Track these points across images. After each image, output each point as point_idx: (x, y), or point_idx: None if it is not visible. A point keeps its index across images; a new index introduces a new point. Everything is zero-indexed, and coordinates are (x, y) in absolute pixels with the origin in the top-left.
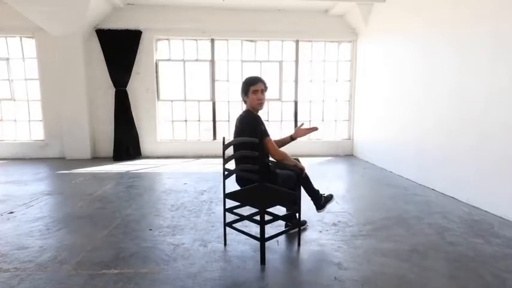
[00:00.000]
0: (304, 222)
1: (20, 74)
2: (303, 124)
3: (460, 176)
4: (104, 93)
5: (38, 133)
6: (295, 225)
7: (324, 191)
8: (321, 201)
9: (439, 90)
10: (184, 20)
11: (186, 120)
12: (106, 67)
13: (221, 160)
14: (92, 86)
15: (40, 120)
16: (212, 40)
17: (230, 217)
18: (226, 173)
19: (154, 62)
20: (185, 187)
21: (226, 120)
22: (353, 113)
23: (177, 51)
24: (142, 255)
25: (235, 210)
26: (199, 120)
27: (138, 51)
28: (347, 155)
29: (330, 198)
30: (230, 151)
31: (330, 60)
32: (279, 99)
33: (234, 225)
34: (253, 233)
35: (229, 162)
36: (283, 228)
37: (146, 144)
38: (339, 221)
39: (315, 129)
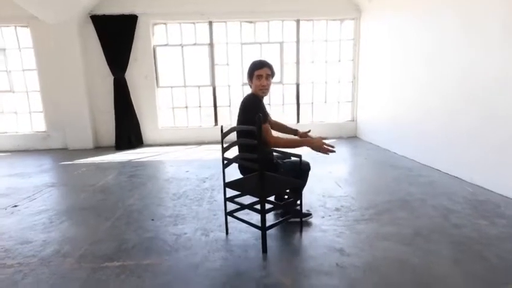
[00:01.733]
0: (308, 215)
1: (17, 64)
2: (310, 131)
3: (465, 156)
4: (102, 81)
5: (39, 124)
6: (296, 214)
7: (327, 175)
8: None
9: (445, 70)
10: (181, 2)
11: (186, 107)
12: (103, 55)
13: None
14: (90, 74)
15: (41, 112)
16: (210, 23)
17: (231, 206)
18: (225, 162)
19: (152, 47)
20: (187, 175)
21: (227, 106)
22: (356, 94)
23: (175, 35)
24: (145, 246)
25: (236, 199)
26: (199, 106)
27: (135, 36)
28: (350, 136)
29: (307, 215)
30: (233, 137)
31: (332, 40)
32: (280, 82)
33: (235, 214)
34: (254, 222)
35: (230, 150)
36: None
37: (148, 132)
38: (341, 206)
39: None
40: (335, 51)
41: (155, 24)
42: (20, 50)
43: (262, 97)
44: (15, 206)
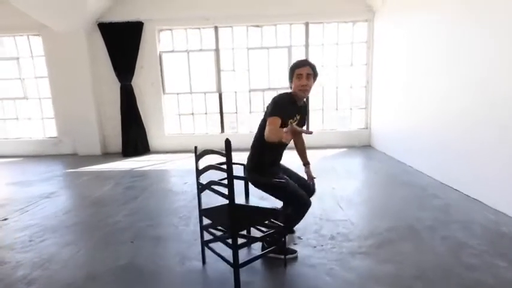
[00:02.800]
0: (293, 251)
1: (30, 72)
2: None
3: (488, 174)
4: (109, 88)
5: (51, 130)
6: (279, 250)
7: (329, 192)
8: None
9: (466, 77)
10: (186, 7)
11: (192, 114)
12: (110, 62)
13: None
14: (98, 82)
15: (52, 118)
16: (216, 28)
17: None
18: (200, 186)
19: (158, 54)
20: (185, 187)
21: (233, 112)
22: (370, 100)
23: (180, 41)
24: (113, 276)
25: (211, 229)
26: (206, 113)
27: (141, 43)
28: (364, 145)
29: (292, 252)
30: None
31: (344, 43)
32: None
33: (213, 244)
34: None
35: (206, 172)
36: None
37: (154, 139)
38: (338, 233)
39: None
40: (347, 55)
41: (161, 30)
42: (32, 58)
43: (300, 99)
44: (5, 219)
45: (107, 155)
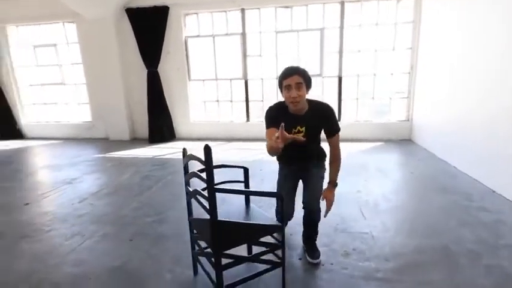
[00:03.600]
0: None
1: (67, 58)
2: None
3: None
4: (137, 75)
5: (86, 115)
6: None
7: (353, 195)
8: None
9: None
10: None
11: (217, 101)
12: (137, 48)
13: (253, 145)
14: (126, 68)
15: (87, 103)
16: (242, 10)
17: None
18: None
19: (184, 39)
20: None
21: (259, 100)
22: (413, 89)
23: (206, 26)
24: (107, 277)
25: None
26: (231, 101)
27: (167, 28)
28: (403, 139)
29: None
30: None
31: (385, 24)
32: (320, 75)
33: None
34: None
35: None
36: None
37: (180, 126)
38: (353, 249)
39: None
40: (388, 38)
41: (186, 14)
42: (68, 45)
43: (295, 111)
44: (27, 204)
45: (135, 141)
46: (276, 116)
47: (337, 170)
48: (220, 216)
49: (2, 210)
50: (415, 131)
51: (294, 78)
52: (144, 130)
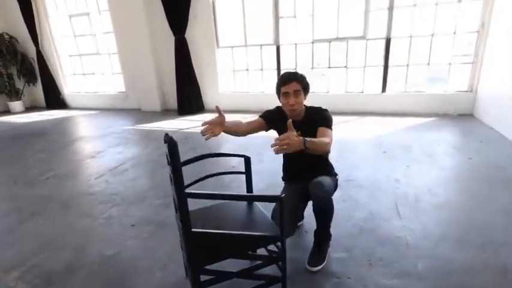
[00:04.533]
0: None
1: (100, 28)
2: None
3: None
4: (165, 42)
5: (121, 85)
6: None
7: (390, 185)
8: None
9: None
10: None
11: (247, 69)
12: (165, 14)
13: None
14: (154, 35)
15: (120, 73)
16: None
17: None
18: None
19: (211, 2)
20: (221, 158)
21: (292, 69)
22: (483, 52)
23: None
24: (98, 266)
25: None
26: (261, 69)
27: None
28: (463, 114)
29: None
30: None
31: None
32: (363, 37)
33: None
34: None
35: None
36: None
37: (208, 96)
38: (380, 259)
39: None
40: None
41: None
42: (100, 13)
43: (293, 117)
44: (48, 178)
45: (165, 112)
46: (273, 117)
47: (317, 144)
48: (210, 216)
49: (21, 182)
50: (479, 104)
51: (292, 85)
52: (174, 101)
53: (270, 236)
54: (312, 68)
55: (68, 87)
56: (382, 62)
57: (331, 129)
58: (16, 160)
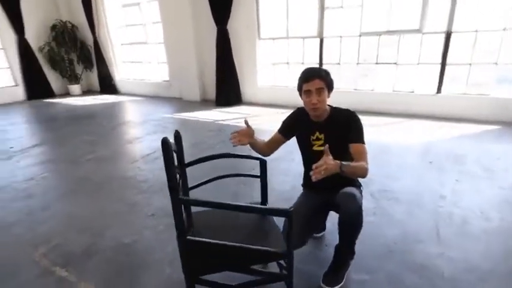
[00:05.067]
0: None
1: (149, 18)
2: None
3: None
4: (208, 33)
5: (165, 74)
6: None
7: (432, 200)
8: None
9: None
10: None
11: (287, 63)
12: (208, 4)
13: None
14: (198, 26)
15: (165, 62)
16: None
17: None
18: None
19: None
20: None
21: (335, 63)
22: None
23: None
24: (113, 253)
25: None
26: (302, 63)
27: None
28: None
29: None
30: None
31: None
32: (419, 30)
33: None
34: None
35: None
36: None
37: (246, 89)
38: None
39: None
40: None
41: None
42: (149, 3)
43: (315, 117)
44: (88, 159)
45: (204, 102)
46: (295, 120)
47: (354, 169)
48: (215, 219)
49: (66, 161)
50: None
51: (315, 82)
52: (213, 92)
53: (275, 252)
54: (358, 63)
55: (119, 74)
56: (439, 59)
57: (364, 143)
58: (67, 139)
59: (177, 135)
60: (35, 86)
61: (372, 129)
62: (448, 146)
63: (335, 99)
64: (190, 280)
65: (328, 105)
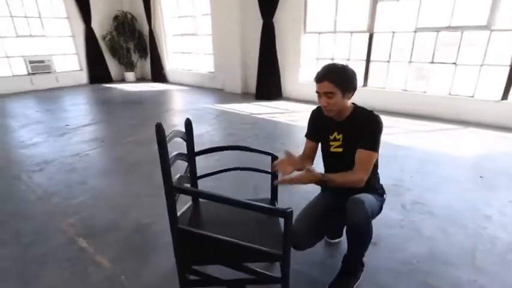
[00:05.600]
0: None
1: (199, 9)
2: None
3: None
4: (254, 26)
5: (211, 65)
6: None
7: (477, 220)
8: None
9: None
10: None
11: (332, 59)
12: None
13: None
14: (245, 18)
15: (211, 54)
16: None
17: None
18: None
19: None
20: (283, 147)
21: (385, 61)
22: None
23: None
24: (133, 232)
25: None
26: (348, 59)
27: None
28: None
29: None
30: None
31: None
32: (486, 27)
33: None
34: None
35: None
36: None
37: (287, 84)
38: None
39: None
40: None
41: None
42: None
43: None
44: (128, 141)
45: (245, 95)
46: (314, 120)
47: (339, 179)
48: (217, 212)
49: (107, 142)
50: None
51: (324, 85)
52: (254, 85)
53: (267, 252)
54: (410, 61)
55: (170, 64)
56: (508, 61)
57: (375, 151)
58: (114, 121)
59: (188, 124)
60: (97, 71)
61: (419, 134)
62: (506, 161)
63: (377, 98)
64: (181, 269)
65: (353, 103)
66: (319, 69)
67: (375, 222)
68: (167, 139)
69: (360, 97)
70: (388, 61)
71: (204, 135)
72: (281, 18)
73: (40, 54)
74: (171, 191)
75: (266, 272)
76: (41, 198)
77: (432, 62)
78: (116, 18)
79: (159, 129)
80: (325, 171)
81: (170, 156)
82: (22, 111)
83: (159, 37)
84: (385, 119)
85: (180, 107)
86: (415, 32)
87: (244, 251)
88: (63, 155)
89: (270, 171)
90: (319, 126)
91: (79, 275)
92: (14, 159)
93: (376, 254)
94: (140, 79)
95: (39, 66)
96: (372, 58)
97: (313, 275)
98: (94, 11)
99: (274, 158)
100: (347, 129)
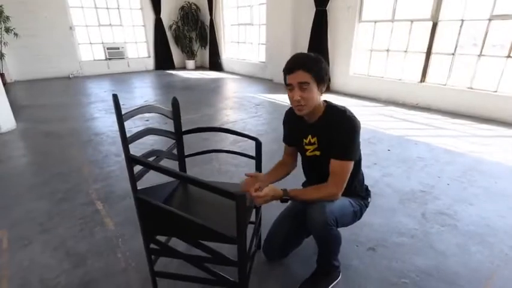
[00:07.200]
0: None
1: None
2: None
3: None
4: (306, 15)
5: (263, 56)
6: None
7: (510, 236)
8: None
9: None
10: None
11: (387, 50)
12: None
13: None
14: (298, 8)
15: (264, 44)
16: None
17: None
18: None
19: None
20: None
21: (449, 54)
22: None
23: None
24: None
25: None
26: (405, 51)
27: None
28: None
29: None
30: None
31: None
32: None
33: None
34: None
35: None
36: None
37: (337, 77)
38: None
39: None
40: None
41: None
42: None
43: (303, 115)
44: (147, 120)
45: None
46: (287, 122)
47: (307, 195)
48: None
49: (151, 121)
50: None
51: (298, 75)
52: None
53: (220, 233)
54: (480, 55)
55: (226, 53)
56: None
57: (350, 160)
58: (165, 104)
59: (174, 103)
60: (162, 58)
61: (476, 139)
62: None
63: (436, 95)
64: (144, 237)
65: (324, 100)
66: (289, 59)
67: (382, 226)
68: (135, 112)
69: (415, 95)
70: (453, 53)
71: (238, 122)
72: (335, 6)
73: (116, 41)
74: (129, 161)
75: (222, 253)
76: (82, 164)
77: (508, 56)
78: (182, 8)
79: (116, 99)
80: (305, 177)
81: (140, 130)
82: (94, 90)
83: (218, 27)
84: (440, 119)
85: (225, 94)
86: (490, 20)
87: (199, 229)
88: (110, 129)
89: (254, 156)
90: (293, 129)
91: (85, 232)
92: (76, 130)
93: (372, 260)
94: (199, 67)
95: (114, 53)
96: (433, 50)
97: (295, 269)
98: (164, 2)
99: (258, 143)
100: (321, 131)
